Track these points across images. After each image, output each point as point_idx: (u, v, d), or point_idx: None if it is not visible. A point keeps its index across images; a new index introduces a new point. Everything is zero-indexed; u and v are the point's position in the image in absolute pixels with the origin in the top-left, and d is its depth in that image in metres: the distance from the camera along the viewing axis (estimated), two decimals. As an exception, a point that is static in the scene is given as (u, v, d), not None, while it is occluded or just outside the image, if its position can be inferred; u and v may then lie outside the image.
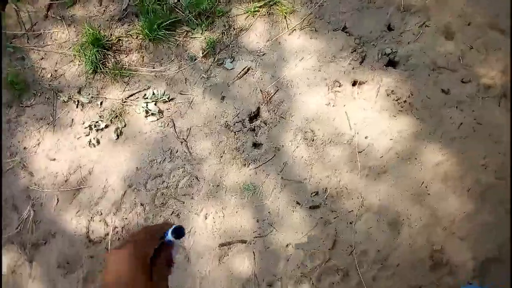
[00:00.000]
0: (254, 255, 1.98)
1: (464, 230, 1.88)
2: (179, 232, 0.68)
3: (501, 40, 2.12)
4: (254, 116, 2.21)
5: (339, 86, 2.19)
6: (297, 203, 2.03)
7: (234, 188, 2.10)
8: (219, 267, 1.98)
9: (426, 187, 1.97)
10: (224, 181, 2.12)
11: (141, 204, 2.13)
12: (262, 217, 2.03)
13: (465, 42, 2.16)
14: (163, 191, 2.13)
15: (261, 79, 2.24)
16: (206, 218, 2.07)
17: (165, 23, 2.26)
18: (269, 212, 2.04)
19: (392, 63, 2.22)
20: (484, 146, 1.99)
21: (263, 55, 2.27)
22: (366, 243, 1.93)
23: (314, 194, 2.04)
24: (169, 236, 0.69)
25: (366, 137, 2.09)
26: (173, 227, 0.69)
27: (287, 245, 1.98)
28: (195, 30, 2.33)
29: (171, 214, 2.09)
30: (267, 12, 2.34)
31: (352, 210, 1.99)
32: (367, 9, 2.30)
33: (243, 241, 2.01)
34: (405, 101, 2.11)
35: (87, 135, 2.28)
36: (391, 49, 2.20)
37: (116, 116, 2.27)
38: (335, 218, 1.99)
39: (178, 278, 1.98)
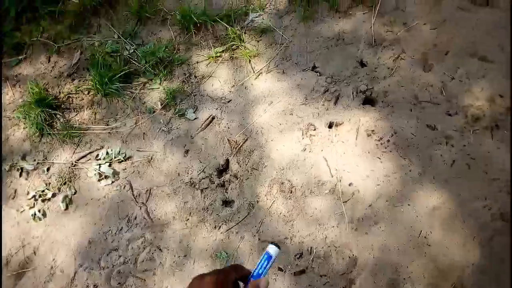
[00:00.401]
0: None
1: (477, 286, 1.73)
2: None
3: (482, 68, 2.14)
4: (223, 169, 2.11)
5: (314, 130, 2.14)
6: (279, 269, 1.87)
7: (204, 257, 1.93)
8: None
9: (425, 237, 1.84)
10: (192, 249, 1.95)
11: (95, 286, 1.93)
12: (239, 290, 1.84)
13: (445, 73, 2.17)
14: (120, 268, 1.94)
15: (228, 128, 2.18)
16: (172, 297, 1.87)
17: (117, 76, 2.23)
18: (246, 283, 1.85)
19: (369, 101, 2.20)
20: (482, 185, 1.90)
21: (228, 102, 2.23)
22: (364, 312, 1.75)
23: (298, 256, 1.88)
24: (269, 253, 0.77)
25: (350, 184, 2.00)
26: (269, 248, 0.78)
27: (270, 323, 1.78)
28: (153, 80, 2.30)
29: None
30: (230, 57, 2.34)
31: (344, 273, 1.83)
32: (336, 47, 2.33)
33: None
34: (388, 141, 2.06)
35: (31, 207, 2.12)
36: (366, 86, 2.19)
37: (65, 182, 2.13)
38: (325, 284, 1.82)
39: None
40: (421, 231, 1.82)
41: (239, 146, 2.06)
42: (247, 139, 2.09)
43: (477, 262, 1.73)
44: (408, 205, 1.88)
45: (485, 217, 1.81)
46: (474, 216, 1.82)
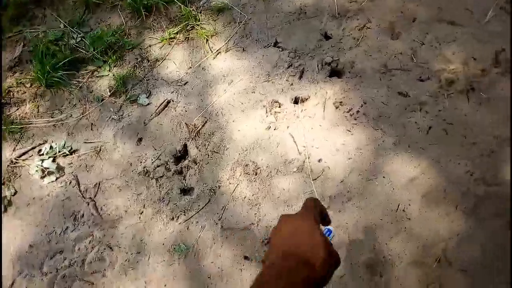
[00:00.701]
0: None
1: (463, 259, 1.65)
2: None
3: (452, 32, 2.13)
4: (181, 155, 2.01)
5: (279, 107, 2.08)
6: (245, 257, 1.76)
7: (160, 252, 1.81)
8: None
9: (403, 210, 1.77)
10: (147, 244, 1.84)
11: (37, 295, 1.79)
12: (200, 286, 1.73)
13: (414, 40, 2.16)
14: (65, 271, 1.80)
15: (185, 112, 2.11)
16: (124, 300, 1.74)
17: (61, 64, 2.16)
18: (209, 277, 1.74)
19: (335, 73, 2.16)
20: (461, 150, 1.85)
21: (185, 84, 2.17)
22: (341, 297, 1.64)
23: (265, 242, 1.78)
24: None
25: (319, 161, 1.92)
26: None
27: (237, 319, 1.65)
28: (102, 68, 2.23)
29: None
30: (185, 38, 2.30)
31: (317, 256, 1.73)
32: (298, 21, 2.30)
33: (177, 324, 1.66)
34: (358, 112, 2.00)
35: (-34, 214, 1.99)
36: (332, 58, 2.15)
37: (3, 183, 2.02)
38: (296, 270, 1.71)
39: None
40: (398, 204, 1.74)
41: (197, 130, 1.99)
42: (206, 122, 2.02)
43: (462, 232, 1.66)
44: (383, 177, 1.81)
45: (467, 183, 1.74)
46: (455, 184, 1.75)
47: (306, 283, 0.61)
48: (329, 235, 0.77)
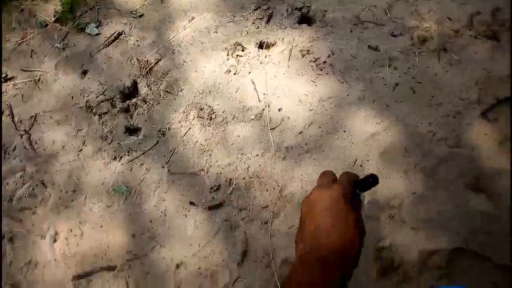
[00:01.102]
0: (128, 286, 1.53)
1: (417, 217, 1.61)
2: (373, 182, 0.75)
3: (430, -11, 2.05)
4: (129, 93, 1.86)
5: (242, 50, 1.94)
6: (191, 203, 1.65)
7: (98, 191, 1.67)
8: (73, 313, 1.50)
9: (361, 165, 1.70)
10: (84, 183, 1.69)
11: (-44, 232, 1.62)
12: (140, 230, 1.61)
13: (390, -7, 2.06)
14: (-10, 206, 1.64)
15: (138, 46, 1.93)
16: (54, 240, 1.60)
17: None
18: (150, 221, 1.63)
19: (305, 20, 2.03)
20: (427, 109, 1.79)
21: (140, 16, 1.98)
22: (289, 248, 1.57)
23: (215, 189, 1.68)
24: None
25: (279, 110, 1.82)
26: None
27: (177, 265, 1.55)
28: (48, -10, 2.01)
29: (1, 240, 1.60)
30: (146, -33, 2.10)
31: (267, 205, 1.64)
32: (271, -39, 2.15)
33: (111, 268, 1.55)
34: (324, 62, 1.90)
35: None
36: (303, 3, 2.01)
37: None
38: (244, 218, 1.63)
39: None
40: (356, 159, 1.68)
41: (150, 67, 1.82)
42: (160, 59, 1.86)
43: (419, 191, 1.61)
44: (344, 132, 1.73)
45: (429, 143, 1.69)
46: (417, 143, 1.70)
47: (340, 273, 0.65)
48: (370, 183, 0.77)
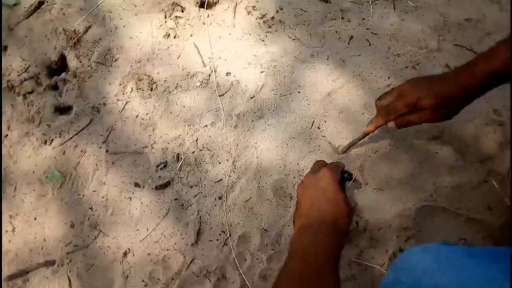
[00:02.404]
0: (70, 281, 1.38)
1: (380, 178, 1.52)
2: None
3: None
4: (57, 68, 1.66)
5: (181, 11, 1.76)
6: (136, 184, 1.50)
7: (29, 181, 1.49)
8: (9, 316, 1.34)
9: (318, 127, 1.58)
10: (13, 173, 1.51)
11: None
12: (80, 218, 1.45)
13: None
14: None
15: (63, 15, 1.71)
16: (-18, 238, 1.43)
17: None
18: (90, 209, 1.47)
19: (250, -26, 1.88)
20: (384, 62, 1.68)
21: (62, -19, 1.77)
22: (246, 223, 1.45)
23: (161, 166, 1.53)
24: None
25: (227, 74, 1.66)
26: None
27: (124, 254, 1.41)
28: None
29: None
30: None
31: (221, 179, 1.51)
32: None
33: (49, 263, 1.39)
34: (273, 18, 1.74)
35: None
36: (246, -45, 1.85)
37: None
38: (196, 195, 1.49)
39: None
40: (313, 121, 1.56)
41: (78, 37, 1.63)
42: (89, 27, 1.66)
43: (380, 150, 1.52)
44: (298, 92, 1.60)
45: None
46: (376, 97, 1.59)
47: (337, 245, 0.75)
48: (349, 178, 0.99)
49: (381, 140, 1.48)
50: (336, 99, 1.56)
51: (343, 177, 0.95)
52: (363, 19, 1.69)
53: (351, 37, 1.67)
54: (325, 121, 1.54)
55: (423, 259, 0.75)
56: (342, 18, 1.69)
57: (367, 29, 1.68)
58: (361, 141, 1.41)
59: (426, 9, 1.73)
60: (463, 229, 1.34)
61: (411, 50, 1.65)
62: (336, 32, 1.67)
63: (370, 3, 1.72)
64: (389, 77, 1.60)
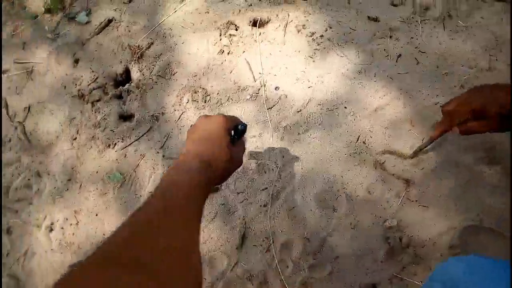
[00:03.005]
0: (124, 274, 1.51)
1: (426, 195, 1.54)
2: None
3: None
4: (122, 79, 1.85)
5: (235, 29, 1.90)
6: (187, 189, 1.63)
7: (93, 180, 1.67)
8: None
9: (364, 142, 1.64)
10: (79, 172, 1.69)
11: (-45, 226, 1.65)
12: (136, 217, 1.60)
13: (390, -39, 1.98)
14: (-13, 199, 1.66)
15: (129, 32, 1.91)
16: (51, 230, 1.60)
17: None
18: (146, 208, 1.61)
19: (301, -6, 1.99)
20: (433, 80, 1.71)
21: (129, 2, 1.96)
22: (289, 231, 1.53)
23: (210, 173, 1.65)
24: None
25: (276, 88, 1.77)
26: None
27: (174, 253, 1.53)
28: (38, -19, 2.02)
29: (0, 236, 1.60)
30: (134, -49, 2.08)
31: (266, 188, 1.60)
32: None
33: (107, 256, 1.54)
34: (322, 36, 1.84)
35: None
36: (298, -22, 1.97)
37: None
38: (242, 202, 1.59)
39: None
40: (359, 136, 1.62)
41: (141, 52, 1.80)
42: (152, 44, 1.83)
43: (427, 167, 1.54)
44: (345, 108, 1.67)
45: (437, 116, 1.62)
46: (424, 116, 1.62)
47: (208, 180, 0.75)
48: (242, 129, 0.95)
49: (427, 158, 1.50)
50: (383, 115, 1.60)
51: (237, 128, 0.93)
52: (412, 38, 1.73)
53: (399, 55, 1.71)
54: (371, 137, 1.58)
55: (457, 270, 0.79)
56: (391, 36, 1.75)
57: (416, 47, 1.72)
58: (429, 146, 1.45)
59: (477, 29, 1.74)
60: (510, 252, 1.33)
61: (460, 69, 1.66)
62: (384, 50, 1.72)
63: (419, 22, 1.76)
64: (437, 95, 1.63)
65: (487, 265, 0.72)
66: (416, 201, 1.46)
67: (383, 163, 1.53)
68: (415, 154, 1.50)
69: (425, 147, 1.46)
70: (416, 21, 1.77)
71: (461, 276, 0.75)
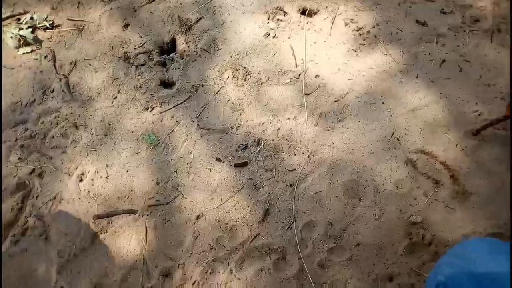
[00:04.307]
0: (147, 230, 1.59)
1: (454, 197, 1.59)
2: None
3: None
4: (167, 48, 1.95)
5: (284, 15, 2.00)
6: (217, 159, 1.71)
7: (128, 138, 1.76)
8: (92, 249, 1.58)
9: (397, 139, 1.70)
10: (115, 129, 1.79)
11: (-10, 164, 1.76)
12: (165, 179, 1.68)
13: (445, -30, 2.06)
14: (24, 142, 1.76)
15: (180, 4, 2.03)
16: (81, 179, 1.69)
17: None
18: (175, 172, 1.69)
19: (352, -10, 2.08)
20: (474, 89, 1.77)
21: (185, -24, 2.10)
22: (313, 213, 1.59)
23: (242, 147, 1.73)
24: None
25: (316, 76, 1.85)
26: None
27: (197, 217, 1.61)
28: None
29: (31, 174, 1.71)
30: None
31: (295, 169, 1.67)
32: None
33: (132, 211, 1.63)
34: (368, 32, 1.92)
35: None
36: (352, -26, 2.07)
37: (-25, 46, 1.98)
38: (269, 179, 1.66)
39: (32, 261, 1.56)
40: (393, 132, 1.68)
41: (190, 24, 1.92)
42: (201, 18, 1.94)
43: (458, 172, 1.59)
44: (383, 103, 1.74)
45: (474, 123, 1.67)
46: (460, 121, 1.68)
47: None
48: None
49: (459, 162, 1.55)
50: (420, 115, 1.66)
51: None
52: (458, 46, 1.80)
53: (443, 61, 1.78)
54: (406, 134, 1.64)
55: (479, 248, 0.85)
56: (437, 42, 1.81)
57: (460, 56, 1.78)
58: None
59: (525, 45, 1.79)
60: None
61: (502, 81, 1.71)
62: (429, 54, 1.79)
63: (467, 32, 1.83)
64: (476, 104, 1.68)
65: (507, 249, 0.78)
66: (443, 202, 1.50)
67: (415, 161, 1.58)
68: (478, 132, 1.55)
69: (489, 126, 1.54)
70: (464, 30, 1.84)
71: (485, 255, 0.81)
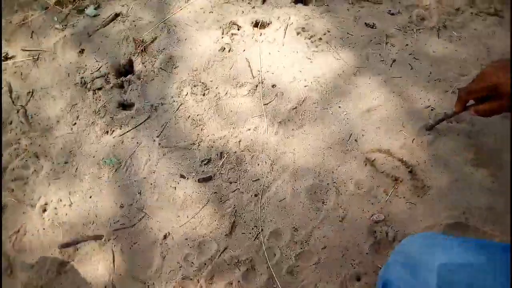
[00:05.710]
0: (114, 255, 1.59)
1: (413, 192, 1.64)
2: None
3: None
4: (125, 70, 1.98)
5: (238, 29, 2.05)
6: (182, 176, 1.73)
7: (89, 163, 1.77)
8: (59, 279, 1.57)
9: (355, 140, 1.75)
10: (76, 156, 1.79)
11: (-49, 202, 1.74)
12: (129, 201, 1.69)
13: (388, -27, 2.14)
14: (-16, 177, 1.75)
15: (135, 26, 2.06)
16: (44, 210, 1.69)
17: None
18: (139, 193, 1.70)
19: (302, 0, 2.15)
20: (425, 85, 1.84)
21: (137, -2, 2.13)
22: (278, 220, 1.62)
23: (205, 162, 1.75)
24: None
25: (273, 86, 1.90)
26: None
27: (164, 236, 1.62)
28: (51, -25, 2.18)
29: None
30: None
31: (258, 179, 1.70)
32: None
33: (98, 237, 1.62)
34: (320, 39, 1.98)
35: None
36: (300, -16, 2.13)
37: None
38: (234, 191, 1.69)
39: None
40: (351, 134, 1.73)
41: (145, 45, 1.95)
42: (156, 38, 1.98)
43: (416, 167, 1.65)
44: (339, 107, 1.79)
45: (428, 118, 1.73)
46: (415, 118, 1.73)
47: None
48: None
49: (416, 158, 1.61)
50: (375, 116, 1.72)
51: None
52: (407, 45, 1.87)
53: (394, 60, 1.84)
54: (363, 135, 1.69)
55: (417, 243, 0.91)
56: (386, 43, 1.88)
57: (410, 54, 1.85)
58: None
59: (470, 40, 1.88)
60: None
61: (452, 76, 1.79)
62: (379, 55, 1.86)
63: (415, 31, 1.90)
64: (428, 99, 1.74)
65: (446, 241, 0.83)
66: (404, 197, 1.55)
67: (373, 160, 1.63)
68: (431, 127, 1.61)
69: (442, 121, 1.59)
70: (412, 29, 1.91)
71: (421, 248, 0.87)
